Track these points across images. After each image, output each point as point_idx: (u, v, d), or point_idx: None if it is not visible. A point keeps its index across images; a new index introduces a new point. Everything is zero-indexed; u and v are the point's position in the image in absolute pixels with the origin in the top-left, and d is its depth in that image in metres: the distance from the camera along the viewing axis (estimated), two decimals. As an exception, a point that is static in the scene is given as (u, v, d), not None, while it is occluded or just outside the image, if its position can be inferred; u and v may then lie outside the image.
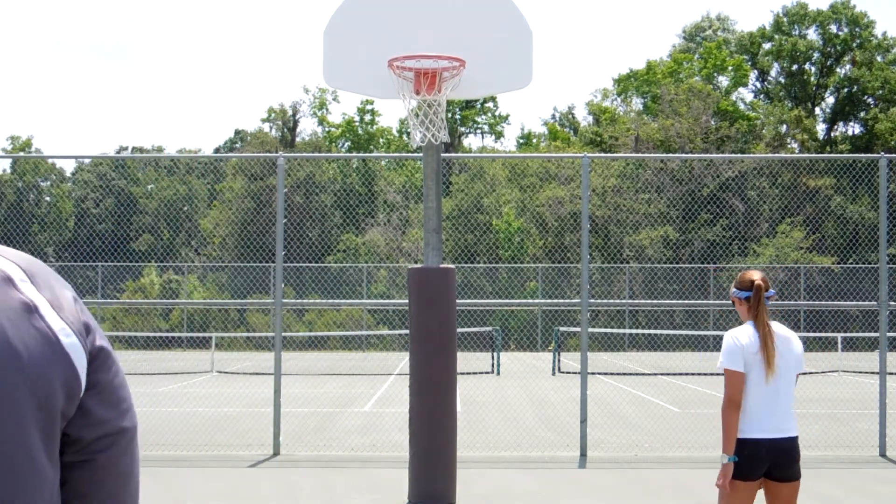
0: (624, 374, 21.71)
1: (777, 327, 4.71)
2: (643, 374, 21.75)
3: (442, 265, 7.42)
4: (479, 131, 49.98)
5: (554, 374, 21.70)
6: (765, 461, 4.54)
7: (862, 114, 44.84)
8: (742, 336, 4.66)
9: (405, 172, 38.22)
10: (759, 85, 49.00)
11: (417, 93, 7.19)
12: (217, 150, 49.04)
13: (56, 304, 1.18)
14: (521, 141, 50.27)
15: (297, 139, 46.66)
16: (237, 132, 49.73)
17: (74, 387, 1.16)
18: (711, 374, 21.19)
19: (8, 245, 30.60)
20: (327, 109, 48.12)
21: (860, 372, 21.91)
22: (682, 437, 11.55)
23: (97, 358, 1.20)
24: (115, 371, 1.24)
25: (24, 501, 1.11)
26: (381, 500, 7.84)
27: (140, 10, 74.30)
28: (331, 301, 14.82)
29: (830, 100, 46.70)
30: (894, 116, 41.80)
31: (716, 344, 33.04)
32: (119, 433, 1.24)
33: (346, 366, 23.88)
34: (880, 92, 43.92)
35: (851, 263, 32.28)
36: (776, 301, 31.01)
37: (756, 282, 4.73)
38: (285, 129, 47.18)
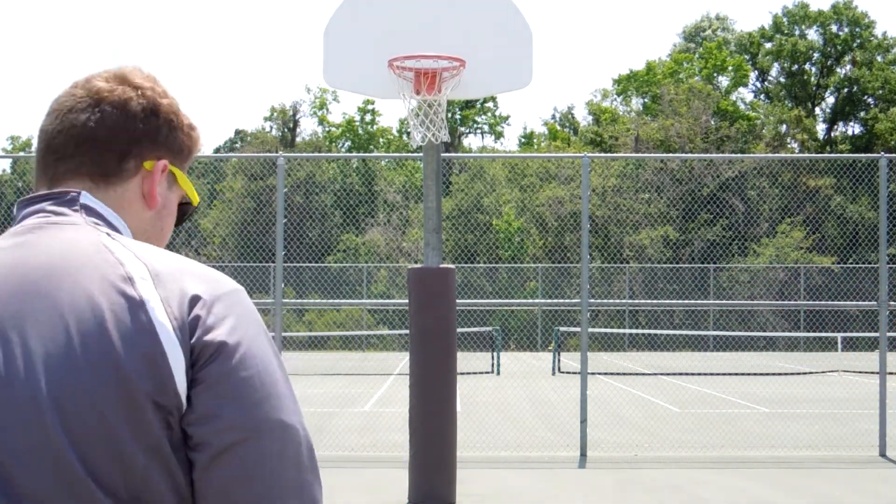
0: (624, 374, 21.71)
1: None
2: (643, 374, 21.75)
3: (442, 265, 7.42)
4: (479, 131, 49.99)
5: (554, 374, 21.70)
6: None
7: (862, 114, 44.83)
8: None
9: (405, 172, 38.21)
10: (759, 85, 49.00)
11: (417, 93, 7.19)
12: (217, 150, 49.01)
13: (166, 301, 1.24)
14: (523, 140, 50.29)
15: (298, 139, 46.66)
16: (237, 132, 49.74)
17: (166, 380, 1.20)
18: (711, 374, 21.20)
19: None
20: (328, 109, 48.13)
21: (860, 372, 21.91)
22: (682, 437, 11.56)
23: (203, 354, 1.23)
24: (235, 368, 1.23)
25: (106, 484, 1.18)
26: (381, 500, 7.84)
27: (140, 9, 74.36)
28: (331, 301, 14.83)
29: (830, 100, 46.71)
30: (894, 116, 41.79)
31: (716, 344, 33.08)
32: (236, 429, 1.21)
33: (346, 366, 23.88)
34: (880, 92, 43.91)
35: (851, 263, 32.28)
36: (776, 301, 31.01)
37: None
38: (286, 129, 47.18)
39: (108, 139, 1.37)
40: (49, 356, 1.20)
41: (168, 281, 1.26)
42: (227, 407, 1.21)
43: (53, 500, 1.17)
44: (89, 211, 1.35)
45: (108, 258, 1.27)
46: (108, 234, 1.32)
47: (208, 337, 1.24)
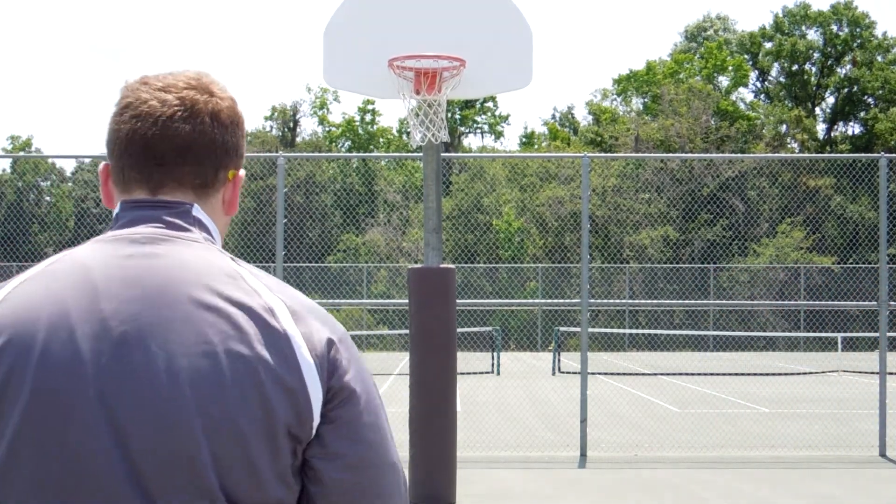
0: (624, 374, 21.70)
1: None
2: (643, 374, 21.75)
3: (442, 265, 7.42)
4: (479, 131, 49.99)
5: (554, 374, 21.70)
6: None
7: (862, 114, 44.83)
8: None
9: (405, 172, 38.20)
10: (759, 85, 49.00)
11: (417, 93, 7.19)
12: (217, 150, 48.94)
13: (307, 338, 1.31)
14: (524, 140, 50.29)
15: (298, 139, 46.66)
16: (237, 132, 49.68)
17: (304, 413, 1.28)
18: (711, 374, 21.19)
19: (8, 245, 30.59)
20: (328, 109, 48.13)
21: (860, 372, 21.91)
22: (682, 437, 11.55)
23: (337, 396, 1.32)
24: (362, 413, 1.34)
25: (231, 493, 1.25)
26: (381, 500, 7.82)
27: (141, 9, 74.34)
28: (331, 301, 14.82)
29: (830, 100, 46.71)
30: (894, 116, 41.79)
31: (716, 344, 33.07)
32: (359, 468, 1.32)
33: (346, 366, 23.86)
34: (880, 92, 43.91)
35: (851, 263, 32.28)
36: (776, 301, 31.03)
37: None
38: (286, 129, 47.19)
39: (208, 151, 1.42)
40: (195, 372, 1.24)
41: (303, 318, 1.33)
42: (354, 447, 1.32)
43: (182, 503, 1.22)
44: (201, 226, 1.40)
45: (243, 286, 1.32)
46: (231, 259, 1.37)
47: (345, 380, 1.33)
